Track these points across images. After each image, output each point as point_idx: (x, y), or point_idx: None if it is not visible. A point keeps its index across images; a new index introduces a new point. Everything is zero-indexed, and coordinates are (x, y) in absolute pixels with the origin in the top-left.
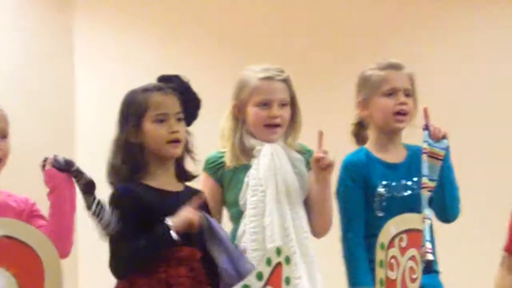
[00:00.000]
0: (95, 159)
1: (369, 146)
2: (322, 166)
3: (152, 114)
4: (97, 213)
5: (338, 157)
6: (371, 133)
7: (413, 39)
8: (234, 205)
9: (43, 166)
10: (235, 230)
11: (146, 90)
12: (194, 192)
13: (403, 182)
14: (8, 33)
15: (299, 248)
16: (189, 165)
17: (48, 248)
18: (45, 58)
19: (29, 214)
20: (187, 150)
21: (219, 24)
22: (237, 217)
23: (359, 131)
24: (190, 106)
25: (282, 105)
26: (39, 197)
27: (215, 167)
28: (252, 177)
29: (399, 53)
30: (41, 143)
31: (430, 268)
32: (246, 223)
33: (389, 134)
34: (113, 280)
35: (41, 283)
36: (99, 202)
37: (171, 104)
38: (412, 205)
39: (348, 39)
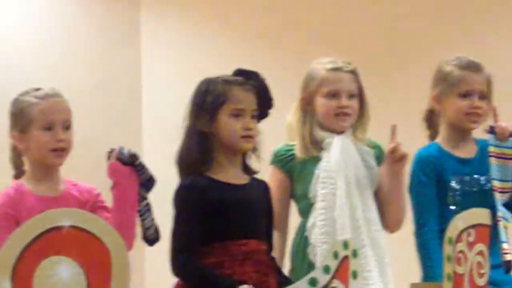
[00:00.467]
0: (161, 152)
1: (440, 141)
2: (396, 158)
3: (230, 108)
4: (142, 214)
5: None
6: (442, 128)
7: (482, 31)
8: (303, 198)
9: (108, 157)
10: (304, 223)
11: (226, 81)
12: (260, 183)
13: (476, 177)
14: (76, 25)
15: (369, 241)
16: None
17: (115, 239)
18: (112, 51)
19: (93, 205)
20: (253, 147)
21: (286, 17)
22: (306, 210)
23: (431, 117)
24: (264, 105)
25: (350, 96)
26: (104, 190)
27: (284, 160)
28: (322, 170)
29: (469, 47)
30: (108, 136)
31: (509, 269)
32: (316, 216)
33: (461, 131)
34: None
35: (108, 273)
36: (147, 204)
37: (250, 100)
38: (486, 199)
39: (418, 32)
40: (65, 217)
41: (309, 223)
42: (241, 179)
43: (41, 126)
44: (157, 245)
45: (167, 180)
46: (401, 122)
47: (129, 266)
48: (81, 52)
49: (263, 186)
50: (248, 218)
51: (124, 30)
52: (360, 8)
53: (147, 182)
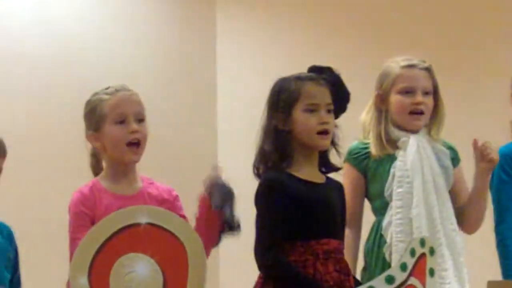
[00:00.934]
0: (236, 149)
1: None
2: (488, 157)
3: (304, 103)
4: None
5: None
6: None
7: None
8: (378, 197)
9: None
10: (379, 222)
11: (299, 78)
12: (336, 184)
13: None
14: (150, 25)
15: (446, 240)
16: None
17: (191, 236)
18: (187, 50)
19: (170, 207)
20: (333, 142)
21: (363, 11)
22: (381, 209)
23: None
24: (340, 99)
25: (425, 93)
26: (179, 188)
27: (359, 158)
28: (398, 168)
29: None
30: (183, 135)
31: None
32: (392, 215)
33: None
34: (254, 271)
35: (185, 270)
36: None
37: (323, 95)
38: None
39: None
40: (142, 214)
41: (385, 222)
42: (318, 178)
43: (113, 120)
44: (231, 244)
45: (243, 180)
46: (478, 120)
47: (206, 263)
48: (158, 50)
49: (338, 187)
50: (329, 218)
51: (200, 27)
52: (438, 5)
53: (231, 229)
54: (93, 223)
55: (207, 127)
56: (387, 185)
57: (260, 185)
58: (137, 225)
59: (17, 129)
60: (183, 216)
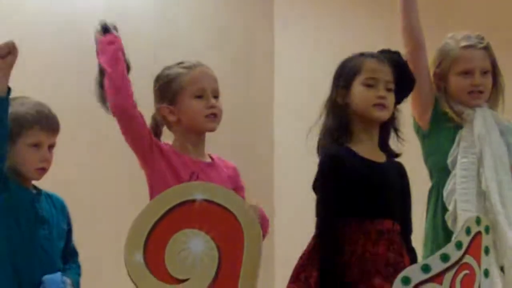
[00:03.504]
0: (293, 138)
1: None
2: None
3: (363, 77)
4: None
5: None
6: None
7: None
8: (436, 160)
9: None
10: (437, 184)
11: (362, 54)
12: (397, 165)
13: None
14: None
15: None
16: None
17: (247, 214)
18: (247, 41)
19: (235, 183)
20: (394, 127)
21: None
22: (438, 171)
23: None
24: (404, 84)
25: (484, 72)
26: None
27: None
28: (464, 139)
29: None
30: (241, 124)
31: None
32: (456, 183)
33: None
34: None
35: (241, 248)
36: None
37: (383, 72)
38: None
39: None
40: (198, 191)
41: (447, 189)
42: (379, 157)
43: (193, 94)
44: (286, 219)
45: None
46: None
47: (261, 242)
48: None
49: (400, 168)
50: (385, 198)
51: (258, 19)
52: None
53: None
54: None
55: (264, 124)
56: (450, 152)
57: (320, 161)
58: (192, 201)
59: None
60: (243, 191)
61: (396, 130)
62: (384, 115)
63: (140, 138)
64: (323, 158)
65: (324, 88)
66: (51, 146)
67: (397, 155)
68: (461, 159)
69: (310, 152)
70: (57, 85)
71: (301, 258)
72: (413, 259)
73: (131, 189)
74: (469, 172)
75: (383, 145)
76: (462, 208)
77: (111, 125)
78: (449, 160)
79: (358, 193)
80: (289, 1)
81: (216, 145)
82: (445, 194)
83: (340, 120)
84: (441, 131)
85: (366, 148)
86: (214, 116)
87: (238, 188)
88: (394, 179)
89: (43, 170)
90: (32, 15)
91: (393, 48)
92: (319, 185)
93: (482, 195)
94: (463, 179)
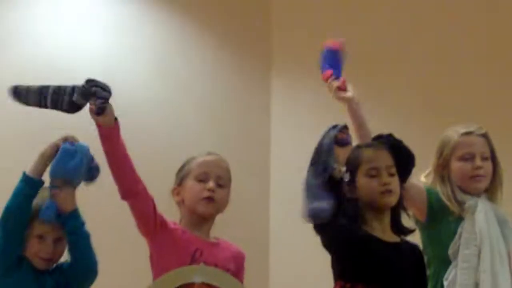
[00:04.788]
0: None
1: None
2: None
3: (365, 169)
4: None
5: None
6: None
7: None
8: (440, 249)
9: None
10: (438, 272)
11: (358, 147)
12: (412, 247)
13: None
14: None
15: None
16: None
17: None
18: (243, 116)
19: (238, 267)
20: (403, 208)
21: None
22: (440, 260)
23: None
24: (403, 162)
25: (484, 158)
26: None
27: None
28: (465, 230)
29: None
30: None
31: None
32: (457, 274)
33: None
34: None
35: None
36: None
37: (382, 158)
38: None
39: None
40: (196, 274)
41: (449, 279)
42: (392, 237)
43: (196, 177)
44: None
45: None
46: None
47: None
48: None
49: (415, 250)
50: (395, 275)
51: (255, 91)
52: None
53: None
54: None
55: (260, 183)
56: (452, 243)
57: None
58: (191, 284)
59: None
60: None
61: (406, 210)
62: (392, 200)
63: (147, 215)
64: (337, 221)
65: None
66: (59, 239)
67: (411, 231)
68: (463, 250)
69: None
70: None
71: None
72: None
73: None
74: (470, 264)
75: (396, 226)
76: None
77: None
78: (450, 252)
79: (367, 261)
80: (286, 93)
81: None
82: (446, 283)
83: (352, 214)
84: (440, 224)
85: (378, 231)
86: (210, 200)
87: (240, 271)
88: (407, 258)
89: (47, 262)
90: None
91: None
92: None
93: None
94: (464, 271)
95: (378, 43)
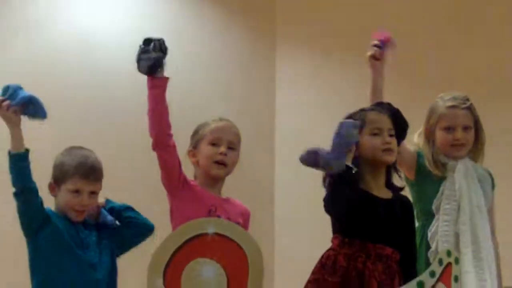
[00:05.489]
0: (295, 181)
1: None
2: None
3: (369, 128)
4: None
5: None
6: None
7: None
8: (421, 201)
9: None
10: (423, 227)
11: (362, 110)
12: (403, 201)
13: None
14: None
15: (485, 254)
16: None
17: (252, 246)
18: (249, 89)
19: (246, 219)
20: (395, 168)
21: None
22: (422, 214)
23: None
24: (400, 128)
25: (465, 128)
26: None
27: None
28: (447, 188)
29: None
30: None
31: None
32: (439, 226)
33: None
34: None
35: (245, 276)
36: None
37: (385, 121)
38: None
39: None
40: (210, 225)
41: (431, 231)
42: (385, 194)
43: (209, 141)
44: (286, 253)
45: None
46: None
47: (263, 271)
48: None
49: (406, 204)
50: (388, 229)
51: (260, 68)
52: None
53: None
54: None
55: (265, 156)
56: (435, 200)
57: (329, 194)
58: (205, 234)
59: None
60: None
61: (397, 171)
62: (391, 159)
63: (173, 170)
64: (334, 179)
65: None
66: (93, 193)
67: (401, 189)
68: (444, 205)
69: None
70: None
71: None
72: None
73: None
74: (450, 217)
75: (389, 183)
76: (442, 247)
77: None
78: (433, 206)
79: (364, 220)
80: (290, 59)
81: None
82: (429, 234)
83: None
84: (426, 182)
85: (372, 187)
86: (222, 164)
87: (245, 227)
88: (398, 213)
89: (82, 213)
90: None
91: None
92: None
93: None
94: (445, 223)
95: (379, 16)
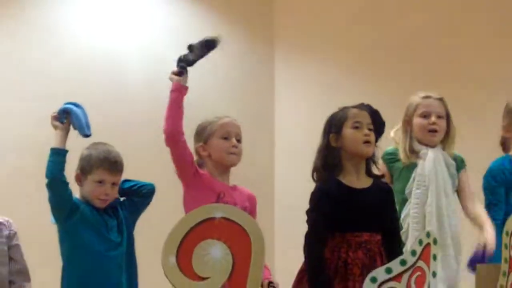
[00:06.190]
0: (293, 177)
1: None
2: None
3: (350, 122)
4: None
5: None
6: None
7: None
8: (400, 193)
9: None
10: (398, 212)
11: (345, 107)
12: (382, 187)
13: None
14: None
15: (450, 232)
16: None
17: (255, 229)
18: (248, 88)
19: (252, 205)
20: (373, 160)
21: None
22: (400, 204)
23: (504, 143)
24: (378, 126)
25: (438, 117)
26: None
27: (390, 159)
28: (418, 174)
29: None
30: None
31: None
32: (410, 209)
33: None
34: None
35: (249, 256)
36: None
37: (365, 116)
38: None
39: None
40: (218, 210)
41: (404, 213)
42: (364, 183)
43: (220, 136)
44: (285, 234)
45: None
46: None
47: (264, 252)
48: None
49: (384, 189)
50: (363, 216)
51: (260, 69)
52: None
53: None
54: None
55: (266, 135)
56: (407, 185)
57: (313, 191)
58: (213, 218)
59: None
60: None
61: (375, 163)
62: (370, 150)
63: (185, 163)
64: (314, 191)
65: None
66: (114, 184)
67: (380, 177)
68: (415, 190)
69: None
70: None
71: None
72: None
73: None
74: (420, 200)
75: (369, 172)
76: (412, 228)
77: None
78: (406, 192)
79: (340, 215)
80: (288, 52)
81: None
82: (402, 216)
83: (334, 159)
84: (402, 180)
85: (353, 178)
86: (235, 154)
87: (253, 210)
88: (375, 200)
89: (105, 201)
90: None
91: (381, 109)
92: (309, 212)
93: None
94: (415, 206)
95: (376, 21)
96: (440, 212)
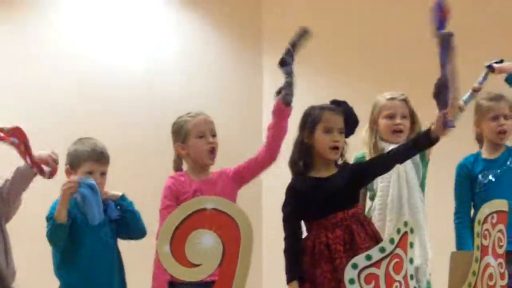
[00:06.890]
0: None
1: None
2: None
3: (322, 125)
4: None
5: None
6: (485, 141)
7: None
8: (369, 190)
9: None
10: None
11: (322, 108)
12: (344, 167)
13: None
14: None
15: (412, 221)
16: None
17: (245, 220)
18: (236, 94)
19: (225, 173)
20: (341, 154)
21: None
22: (371, 198)
23: (479, 137)
24: (351, 124)
25: (403, 117)
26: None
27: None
28: None
29: None
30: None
31: None
32: (375, 202)
33: (495, 143)
34: None
35: (238, 243)
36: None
37: (337, 121)
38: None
39: None
40: (209, 202)
41: (372, 205)
42: (332, 171)
43: (196, 135)
44: (271, 225)
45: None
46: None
47: (252, 241)
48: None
49: (344, 168)
50: (329, 201)
51: (248, 75)
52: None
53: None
54: (178, 200)
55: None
56: (374, 181)
57: (286, 189)
58: (205, 209)
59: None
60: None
61: (343, 157)
62: (336, 157)
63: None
64: (286, 189)
65: None
66: (102, 173)
67: (346, 164)
68: (380, 183)
69: None
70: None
71: None
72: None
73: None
74: (384, 192)
75: (336, 164)
76: (376, 219)
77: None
78: (375, 187)
79: (311, 205)
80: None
81: None
82: (366, 210)
83: (305, 156)
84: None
85: (322, 169)
86: (213, 151)
87: (225, 173)
88: (339, 179)
89: None
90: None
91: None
92: (283, 208)
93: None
94: (380, 198)
95: (361, 27)
96: (400, 203)
